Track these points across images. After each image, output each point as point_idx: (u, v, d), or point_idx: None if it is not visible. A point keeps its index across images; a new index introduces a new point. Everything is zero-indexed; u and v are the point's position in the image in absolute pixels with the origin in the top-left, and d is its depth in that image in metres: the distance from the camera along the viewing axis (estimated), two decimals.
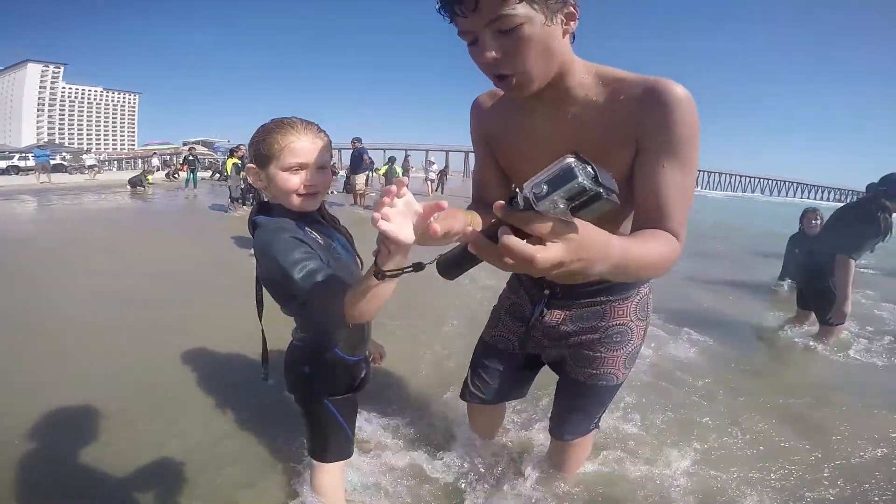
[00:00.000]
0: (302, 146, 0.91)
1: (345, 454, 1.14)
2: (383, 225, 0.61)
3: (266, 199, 1.01)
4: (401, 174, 11.20)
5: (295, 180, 0.92)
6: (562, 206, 0.42)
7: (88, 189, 14.42)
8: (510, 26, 0.68)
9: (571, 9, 0.73)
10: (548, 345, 1.16)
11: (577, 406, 1.17)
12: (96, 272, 3.90)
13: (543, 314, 1.11)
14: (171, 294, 3.40)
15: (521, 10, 0.67)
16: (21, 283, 3.51)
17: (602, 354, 1.09)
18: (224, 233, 6.31)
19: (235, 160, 9.01)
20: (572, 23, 0.75)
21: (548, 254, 0.44)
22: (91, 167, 21.67)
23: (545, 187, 0.42)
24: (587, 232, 0.48)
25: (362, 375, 1.12)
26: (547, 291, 1.10)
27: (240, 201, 8.86)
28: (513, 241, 0.44)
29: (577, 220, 0.45)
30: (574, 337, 1.10)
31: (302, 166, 0.92)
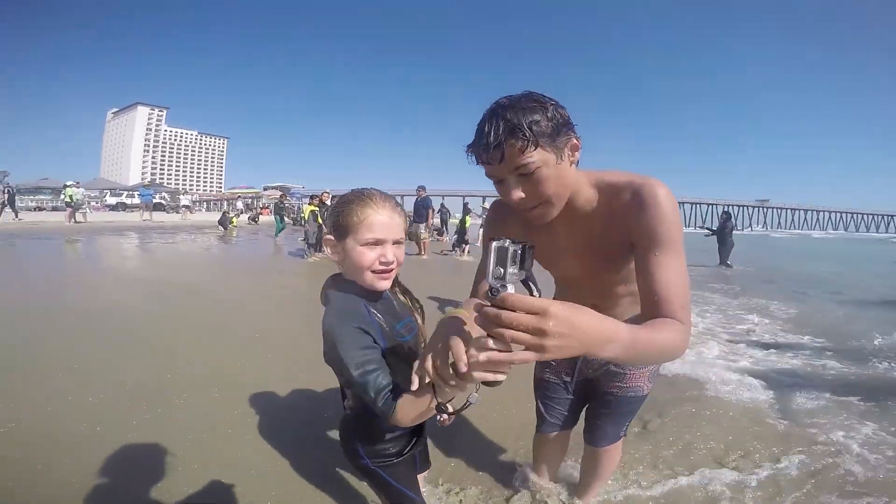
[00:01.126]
0: (380, 220, 0.91)
1: None
2: (486, 377, 0.61)
3: (340, 272, 1.00)
4: (468, 223, 11.27)
5: (371, 256, 0.91)
6: (514, 271, 0.58)
7: (182, 229, 16.00)
8: (530, 171, 0.85)
9: (575, 141, 0.89)
10: (586, 370, 1.37)
11: (609, 415, 1.36)
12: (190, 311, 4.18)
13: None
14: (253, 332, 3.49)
15: (537, 156, 0.83)
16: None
17: (630, 372, 1.28)
18: (301, 278, 6.64)
19: (313, 207, 9.40)
20: (577, 153, 0.91)
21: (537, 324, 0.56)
22: (186, 207, 24.09)
23: (499, 269, 0.58)
24: (578, 315, 0.59)
25: (413, 441, 1.08)
26: None
27: (314, 248, 9.26)
28: (512, 318, 0.56)
29: (570, 308, 0.59)
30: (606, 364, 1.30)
31: (378, 241, 0.91)
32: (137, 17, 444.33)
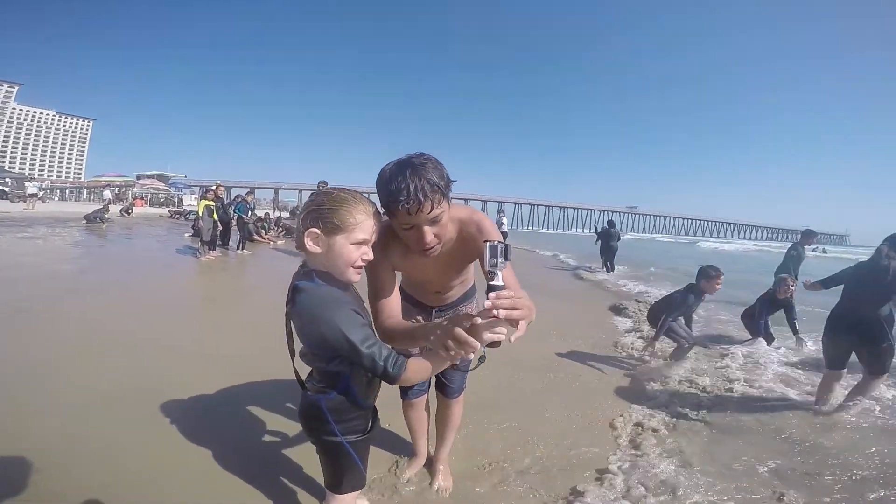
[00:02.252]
0: (371, 225, 1.07)
1: (359, 485, 1.26)
2: (500, 338, 0.92)
3: (310, 266, 1.10)
4: None
5: (357, 254, 1.06)
6: (504, 260, 0.92)
7: (38, 221, 13.71)
8: (440, 220, 1.14)
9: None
10: None
11: (458, 371, 1.77)
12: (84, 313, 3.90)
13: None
14: (169, 340, 3.41)
15: (444, 206, 1.13)
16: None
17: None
18: (201, 276, 6.36)
19: (209, 202, 8.78)
20: (450, 203, 1.22)
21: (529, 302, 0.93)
22: (31, 196, 20.40)
23: (494, 260, 0.92)
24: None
25: (372, 420, 1.25)
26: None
27: (209, 245, 8.72)
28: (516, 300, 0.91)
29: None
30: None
31: (365, 242, 1.07)
32: None
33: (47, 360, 2.91)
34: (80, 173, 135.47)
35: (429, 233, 1.14)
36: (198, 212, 8.92)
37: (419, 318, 1.71)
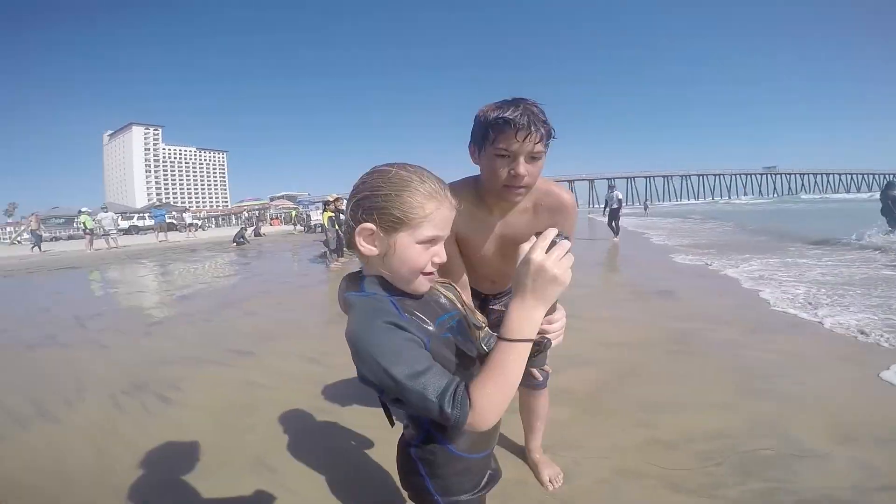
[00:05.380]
0: (444, 217, 0.76)
1: None
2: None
3: (360, 271, 0.81)
4: None
5: (426, 257, 0.75)
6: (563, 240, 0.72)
7: (200, 247, 16.38)
8: (538, 157, 1.11)
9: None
10: (495, 329, 1.80)
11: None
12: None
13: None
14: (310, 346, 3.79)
15: (544, 148, 1.11)
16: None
17: None
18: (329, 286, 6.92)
19: (330, 213, 9.56)
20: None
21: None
22: (190, 225, 24.36)
23: (556, 239, 0.71)
24: None
25: (488, 473, 0.91)
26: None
27: (336, 253, 9.58)
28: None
29: None
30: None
31: (436, 240, 0.76)
32: (118, 37, 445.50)
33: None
34: (226, 201, 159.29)
35: (524, 165, 1.10)
36: (323, 223, 9.88)
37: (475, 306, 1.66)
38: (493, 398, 0.66)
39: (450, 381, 0.67)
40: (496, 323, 1.52)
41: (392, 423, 0.90)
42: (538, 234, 0.72)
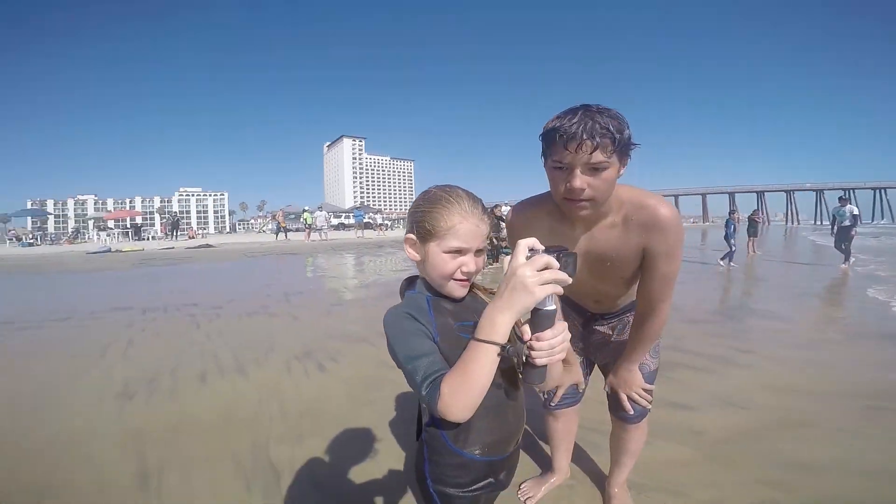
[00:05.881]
0: (467, 229, 0.84)
1: None
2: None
3: (416, 275, 0.96)
4: None
5: (452, 265, 0.85)
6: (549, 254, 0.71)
7: (386, 244, 19.04)
8: (600, 168, 1.01)
9: (629, 159, 1.08)
10: (595, 351, 1.57)
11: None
12: None
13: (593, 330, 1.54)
14: None
15: (612, 158, 1.01)
16: None
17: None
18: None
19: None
20: (625, 168, 1.08)
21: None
22: (380, 225, 28.70)
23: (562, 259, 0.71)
24: None
25: (488, 481, 0.92)
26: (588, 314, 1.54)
27: (491, 258, 9.94)
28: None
29: None
30: (612, 343, 1.51)
31: (461, 251, 0.85)
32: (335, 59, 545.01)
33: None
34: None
35: (581, 178, 1.02)
36: None
37: (579, 325, 1.57)
38: (455, 391, 0.72)
39: (436, 370, 0.76)
40: (598, 343, 1.48)
41: (418, 437, 0.97)
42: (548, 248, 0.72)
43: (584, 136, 0.97)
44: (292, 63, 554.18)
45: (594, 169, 1.02)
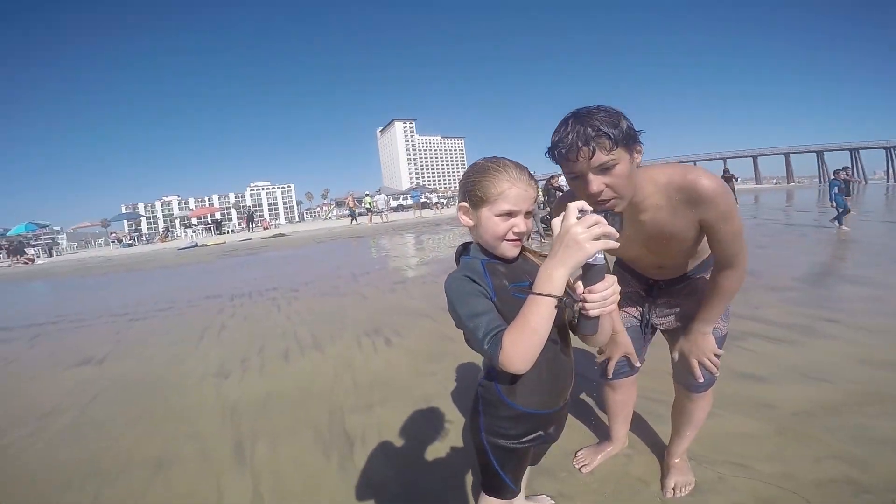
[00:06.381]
0: (516, 193, 0.93)
1: (500, 495, 1.06)
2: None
3: (469, 241, 1.04)
4: None
5: (504, 227, 0.93)
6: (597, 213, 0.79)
7: (444, 221, 19.29)
8: (609, 167, 1.04)
9: (640, 146, 1.10)
10: (661, 315, 1.56)
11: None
12: None
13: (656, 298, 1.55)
14: None
15: (616, 155, 1.03)
16: None
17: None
18: None
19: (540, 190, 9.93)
20: (639, 155, 1.10)
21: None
22: (436, 203, 29.22)
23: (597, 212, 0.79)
24: None
25: (539, 433, 1.01)
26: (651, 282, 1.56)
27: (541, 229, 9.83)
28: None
29: None
30: (681, 308, 1.51)
31: (512, 213, 0.93)
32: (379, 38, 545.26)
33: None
34: None
35: (596, 181, 1.05)
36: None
37: (640, 291, 1.58)
38: (516, 343, 0.80)
39: (497, 325, 0.84)
40: (664, 308, 1.59)
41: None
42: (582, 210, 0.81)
43: (580, 144, 1.01)
44: (340, 50, 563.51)
45: (604, 169, 1.04)
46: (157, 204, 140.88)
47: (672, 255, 1.36)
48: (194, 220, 35.45)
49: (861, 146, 76.74)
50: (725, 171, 17.65)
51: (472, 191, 0.95)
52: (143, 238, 34.48)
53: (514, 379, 0.95)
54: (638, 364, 1.63)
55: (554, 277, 0.78)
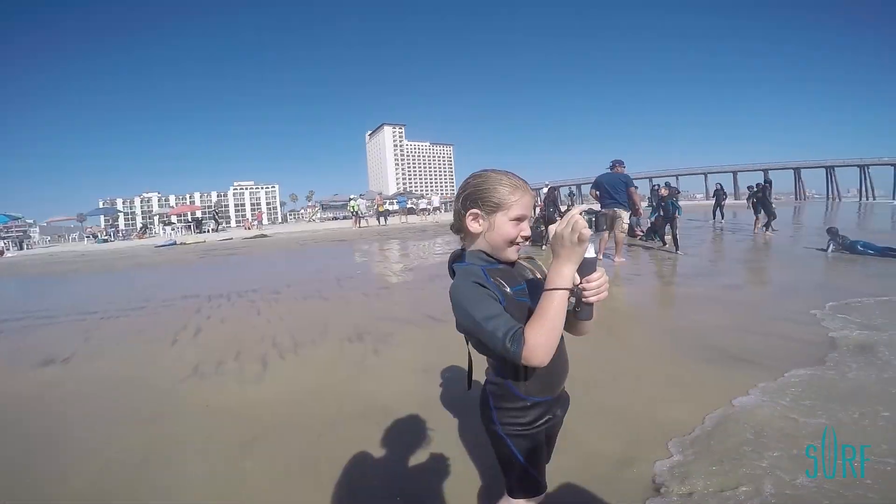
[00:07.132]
0: (527, 202, 1.05)
1: (532, 491, 1.11)
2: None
3: (462, 247, 1.11)
4: None
5: (515, 231, 1.03)
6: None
7: (429, 229, 19.19)
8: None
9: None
10: None
11: None
12: None
13: None
14: None
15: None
16: None
17: None
18: None
19: None
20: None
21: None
22: (422, 210, 29.06)
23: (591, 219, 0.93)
24: None
25: (547, 417, 1.09)
26: None
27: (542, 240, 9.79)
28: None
29: None
30: None
31: (521, 218, 1.04)
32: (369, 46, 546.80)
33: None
34: (452, 189, 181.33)
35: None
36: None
37: None
38: (538, 336, 0.88)
39: (514, 324, 0.91)
40: None
41: (469, 387, 1.20)
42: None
43: None
44: (330, 53, 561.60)
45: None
46: (137, 200, 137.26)
47: None
48: (174, 218, 34.52)
49: (836, 164, 79.33)
50: (718, 185, 17.44)
51: (488, 197, 1.03)
52: (120, 234, 33.39)
53: (523, 373, 1.04)
54: None
55: (564, 273, 0.90)
